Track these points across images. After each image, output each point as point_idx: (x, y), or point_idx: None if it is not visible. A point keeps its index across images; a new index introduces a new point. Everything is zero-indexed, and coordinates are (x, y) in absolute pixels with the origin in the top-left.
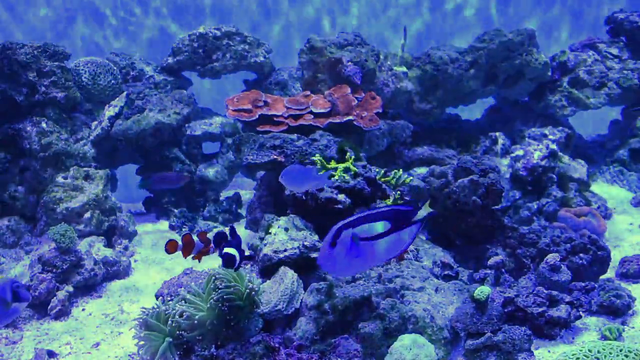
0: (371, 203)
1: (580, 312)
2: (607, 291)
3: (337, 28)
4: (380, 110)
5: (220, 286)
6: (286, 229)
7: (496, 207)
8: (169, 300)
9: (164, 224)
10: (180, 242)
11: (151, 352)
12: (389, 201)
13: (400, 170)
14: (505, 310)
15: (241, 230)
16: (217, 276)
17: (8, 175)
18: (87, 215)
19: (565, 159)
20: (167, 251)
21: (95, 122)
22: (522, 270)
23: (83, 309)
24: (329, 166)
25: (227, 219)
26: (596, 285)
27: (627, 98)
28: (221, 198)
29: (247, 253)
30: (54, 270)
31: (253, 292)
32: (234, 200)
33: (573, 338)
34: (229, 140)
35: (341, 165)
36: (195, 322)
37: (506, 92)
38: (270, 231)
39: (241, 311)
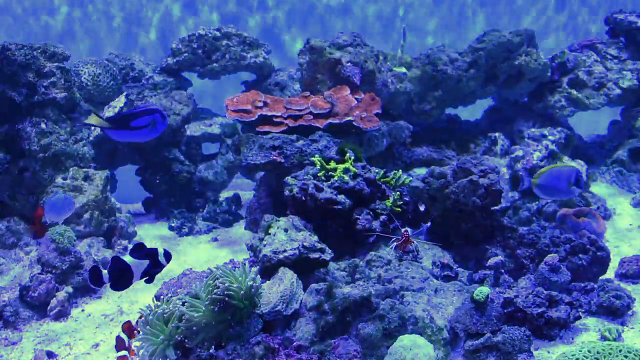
0: (371, 204)
1: (580, 313)
2: (607, 292)
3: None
4: (380, 111)
5: (219, 286)
6: (285, 230)
7: (496, 207)
8: (169, 301)
9: (163, 225)
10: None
11: (150, 353)
12: (389, 202)
13: (400, 170)
14: (505, 310)
15: (240, 230)
16: (217, 276)
17: (8, 176)
18: (87, 216)
19: (565, 159)
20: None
21: None
22: (522, 270)
23: (82, 310)
24: (329, 167)
25: (227, 220)
26: (596, 286)
27: (626, 98)
28: (221, 199)
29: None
30: (54, 271)
31: (253, 290)
32: (233, 201)
33: (572, 338)
34: (229, 141)
35: (341, 166)
36: (195, 322)
37: (506, 93)
38: (269, 232)
39: (240, 312)
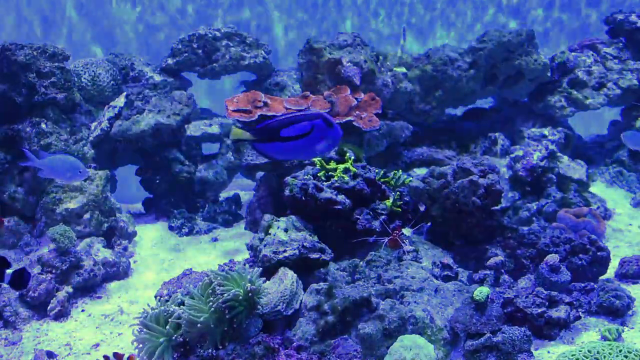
0: (371, 204)
1: (580, 313)
2: (607, 292)
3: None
4: (380, 111)
5: (217, 288)
6: (285, 230)
7: (496, 207)
8: (168, 301)
9: (163, 225)
10: None
11: (150, 353)
12: (389, 202)
13: (400, 170)
14: (505, 310)
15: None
16: (215, 278)
17: (8, 176)
18: (87, 216)
19: (565, 159)
20: None
21: (95, 123)
22: (522, 270)
23: (82, 310)
24: (329, 167)
25: (227, 220)
26: (596, 286)
27: (626, 98)
28: (221, 199)
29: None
30: (54, 271)
31: (251, 294)
32: (233, 201)
33: (572, 339)
34: (229, 141)
35: (341, 166)
36: (195, 323)
37: (506, 93)
38: (269, 232)
39: (240, 313)
